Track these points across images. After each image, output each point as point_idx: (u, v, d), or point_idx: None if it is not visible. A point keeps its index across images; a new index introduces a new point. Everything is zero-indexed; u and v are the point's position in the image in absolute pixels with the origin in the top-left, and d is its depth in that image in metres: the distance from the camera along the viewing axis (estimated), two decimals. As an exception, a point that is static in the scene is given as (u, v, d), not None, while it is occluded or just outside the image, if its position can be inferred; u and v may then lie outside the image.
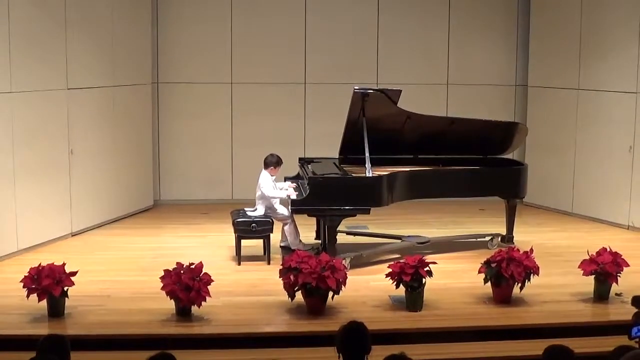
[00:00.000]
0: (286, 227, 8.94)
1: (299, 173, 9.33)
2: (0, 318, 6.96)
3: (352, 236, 9.39)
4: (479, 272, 7.43)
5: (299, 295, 7.08)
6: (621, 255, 7.45)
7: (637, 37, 10.06)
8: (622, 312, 6.79)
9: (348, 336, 4.31)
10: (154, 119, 11.59)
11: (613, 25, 10.43)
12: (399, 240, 9.20)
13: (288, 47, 11.71)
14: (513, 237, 9.30)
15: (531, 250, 7.49)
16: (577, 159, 11.08)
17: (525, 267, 7.24)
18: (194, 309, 6.92)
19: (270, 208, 8.82)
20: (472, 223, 10.44)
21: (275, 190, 8.78)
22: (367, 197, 8.26)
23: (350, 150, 8.88)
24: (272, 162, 8.79)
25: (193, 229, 10.34)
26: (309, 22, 11.73)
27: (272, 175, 8.79)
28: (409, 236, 9.34)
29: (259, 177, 8.81)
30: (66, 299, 6.95)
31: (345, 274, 7.13)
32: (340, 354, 4.27)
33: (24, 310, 6.94)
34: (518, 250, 7.48)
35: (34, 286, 6.80)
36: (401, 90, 8.61)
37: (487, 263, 7.39)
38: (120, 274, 8.26)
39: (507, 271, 7.19)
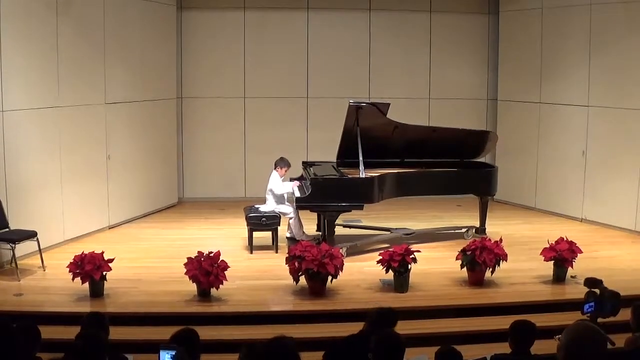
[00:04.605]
0: (291, 221, 8.95)
1: (302, 174, 9.33)
2: (49, 297, 7.04)
3: (348, 228, 9.38)
4: (457, 258, 7.45)
5: (302, 279, 7.10)
6: (576, 244, 7.49)
7: (587, 61, 10.10)
8: (576, 291, 6.80)
9: (380, 317, 4.56)
10: (178, 128, 11.59)
11: (568, 51, 10.46)
12: (388, 232, 9.21)
13: (292, 67, 11.71)
14: (485, 228, 9.30)
15: (500, 240, 7.50)
16: (539, 162, 11.09)
17: (495, 255, 7.27)
18: (213, 290, 6.94)
19: (281, 204, 8.84)
20: (451, 217, 10.44)
21: (282, 187, 8.80)
22: (361, 195, 8.26)
23: (346, 154, 8.86)
24: (280, 164, 8.82)
25: (212, 222, 10.34)
26: (311, 46, 11.73)
27: (280, 176, 8.81)
28: (396, 228, 9.35)
29: (269, 176, 8.84)
30: (105, 281, 6.99)
31: (342, 260, 7.14)
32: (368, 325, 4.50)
33: (70, 291, 6.99)
34: (489, 240, 7.49)
35: (77, 271, 6.85)
36: (389, 104, 8.63)
37: (463, 251, 7.41)
38: (149, 261, 8.29)
39: (480, 258, 7.22)
